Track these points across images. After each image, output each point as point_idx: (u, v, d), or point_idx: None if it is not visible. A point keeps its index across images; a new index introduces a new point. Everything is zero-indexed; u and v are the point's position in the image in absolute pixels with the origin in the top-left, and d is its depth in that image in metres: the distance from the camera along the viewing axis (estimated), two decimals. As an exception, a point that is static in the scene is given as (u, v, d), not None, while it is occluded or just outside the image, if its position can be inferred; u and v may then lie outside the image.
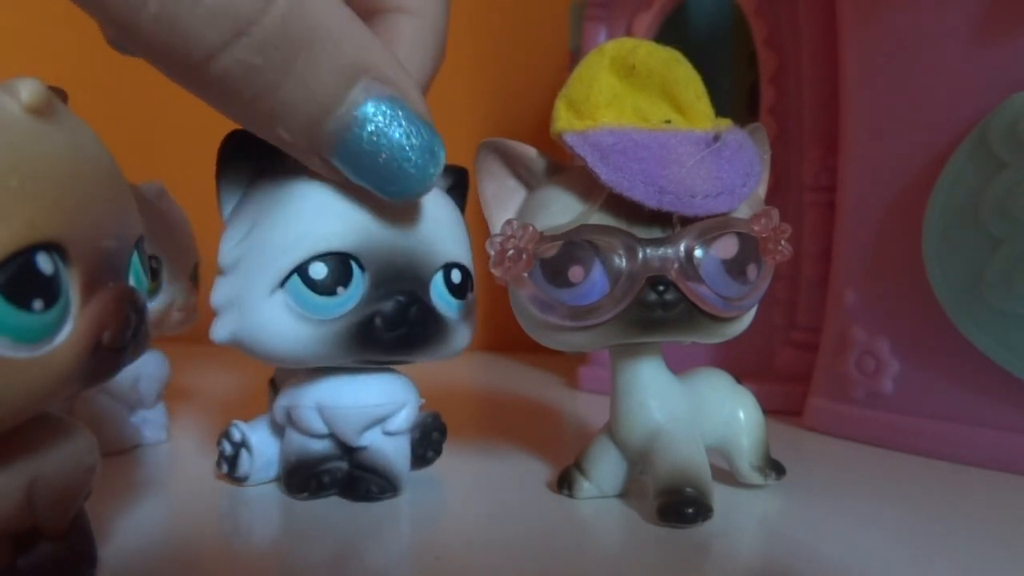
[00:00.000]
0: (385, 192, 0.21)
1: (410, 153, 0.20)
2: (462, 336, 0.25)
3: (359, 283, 0.22)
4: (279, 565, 0.19)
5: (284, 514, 0.23)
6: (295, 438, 0.24)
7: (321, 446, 0.24)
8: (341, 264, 0.22)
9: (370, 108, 0.20)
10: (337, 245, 0.22)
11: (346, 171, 0.20)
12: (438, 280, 0.24)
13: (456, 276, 0.24)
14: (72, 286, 0.14)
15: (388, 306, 0.22)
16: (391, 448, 0.25)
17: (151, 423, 0.32)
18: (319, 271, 0.21)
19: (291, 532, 0.21)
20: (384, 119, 0.20)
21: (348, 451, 0.25)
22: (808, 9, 0.39)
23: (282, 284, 0.22)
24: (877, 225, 0.32)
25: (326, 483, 0.24)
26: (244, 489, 0.25)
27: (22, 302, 0.13)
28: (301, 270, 0.21)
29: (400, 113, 0.20)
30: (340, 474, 0.25)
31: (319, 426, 0.24)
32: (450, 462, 0.29)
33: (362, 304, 0.22)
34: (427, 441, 0.27)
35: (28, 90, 0.14)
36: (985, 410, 0.28)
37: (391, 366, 0.25)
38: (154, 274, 0.30)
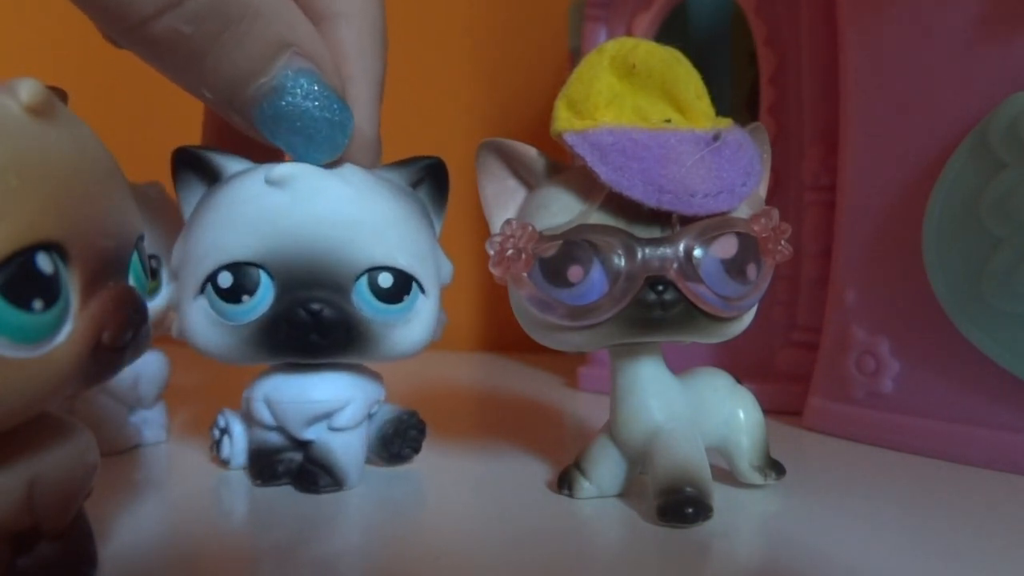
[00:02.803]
0: (297, 155, 0.23)
1: (322, 124, 0.22)
2: (402, 339, 0.25)
3: (267, 291, 0.23)
4: (295, 563, 0.19)
5: (286, 510, 0.23)
6: (257, 428, 0.26)
7: (278, 437, 0.26)
8: (248, 273, 0.23)
9: (290, 80, 0.22)
10: (242, 255, 0.23)
11: (264, 132, 0.22)
12: (362, 285, 0.24)
13: (385, 280, 0.24)
14: (72, 286, 0.14)
15: (295, 313, 0.23)
16: (337, 444, 0.25)
17: (151, 423, 0.32)
18: (225, 280, 0.23)
19: (293, 527, 0.21)
20: (301, 91, 0.22)
21: (301, 444, 0.25)
22: (808, 9, 0.39)
23: (202, 291, 0.23)
24: (877, 225, 0.32)
25: (278, 472, 0.25)
26: (246, 487, 0.25)
27: (22, 302, 0.13)
28: (212, 278, 0.23)
29: (316, 87, 0.22)
30: (293, 465, 0.26)
31: (268, 419, 0.25)
32: (450, 462, 0.29)
33: (271, 311, 0.23)
34: (402, 438, 0.27)
35: (28, 90, 0.14)
36: (985, 410, 0.28)
37: (346, 363, 0.26)
38: (154, 274, 0.30)
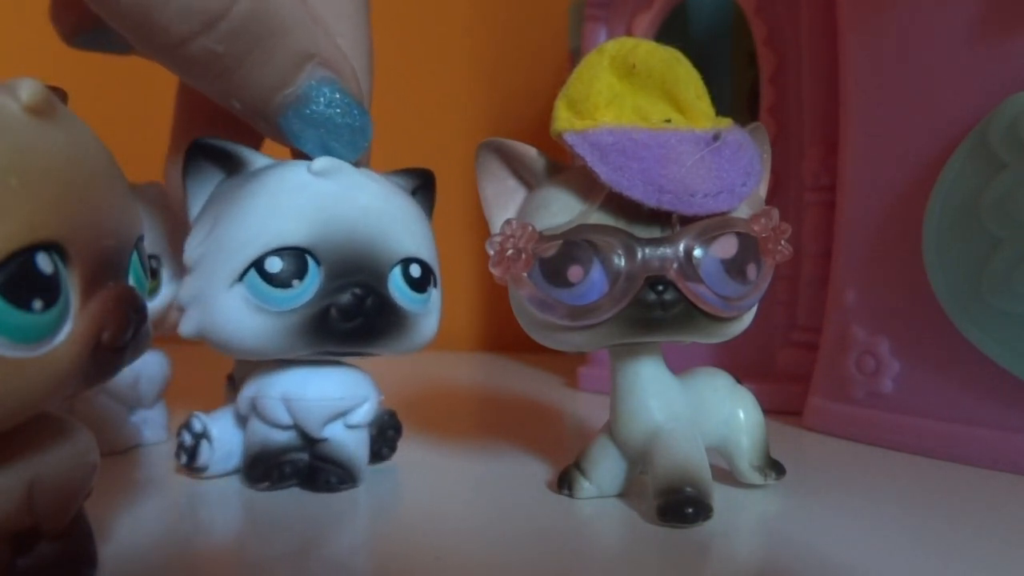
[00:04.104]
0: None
1: (343, 130, 0.24)
2: (424, 329, 0.26)
3: (315, 276, 0.23)
4: (294, 562, 0.19)
5: (286, 510, 0.23)
6: (258, 429, 0.25)
7: (284, 437, 0.25)
8: (296, 258, 0.23)
9: (313, 90, 0.23)
10: (292, 240, 0.23)
11: (290, 137, 0.24)
12: (396, 274, 0.24)
13: (415, 271, 0.25)
14: (72, 286, 0.14)
15: (343, 298, 0.23)
16: (351, 441, 0.25)
17: (151, 423, 0.32)
18: (274, 265, 0.23)
19: (293, 527, 0.21)
20: (324, 99, 0.23)
21: (310, 442, 0.25)
22: (808, 9, 0.39)
23: (240, 278, 0.23)
24: (877, 225, 0.32)
25: (287, 473, 0.25)
26: (244, 487, 0.25)
27: (22, 302, 0.13)
28: (258, 264, 0.23)
29: (338, 96, 0.23)
30: (301, 465, 0.25)
31: (284, 417, 0.25)
32: (450, 462, 0.29)
33: (318, 296, 0.23)
34: (383, 438, 0.28)
35: (28, 90, 0.14)
36: (985, 410, 0.28)
37: (352, 361, 0.26)
38: (154, 274, 0.30)
